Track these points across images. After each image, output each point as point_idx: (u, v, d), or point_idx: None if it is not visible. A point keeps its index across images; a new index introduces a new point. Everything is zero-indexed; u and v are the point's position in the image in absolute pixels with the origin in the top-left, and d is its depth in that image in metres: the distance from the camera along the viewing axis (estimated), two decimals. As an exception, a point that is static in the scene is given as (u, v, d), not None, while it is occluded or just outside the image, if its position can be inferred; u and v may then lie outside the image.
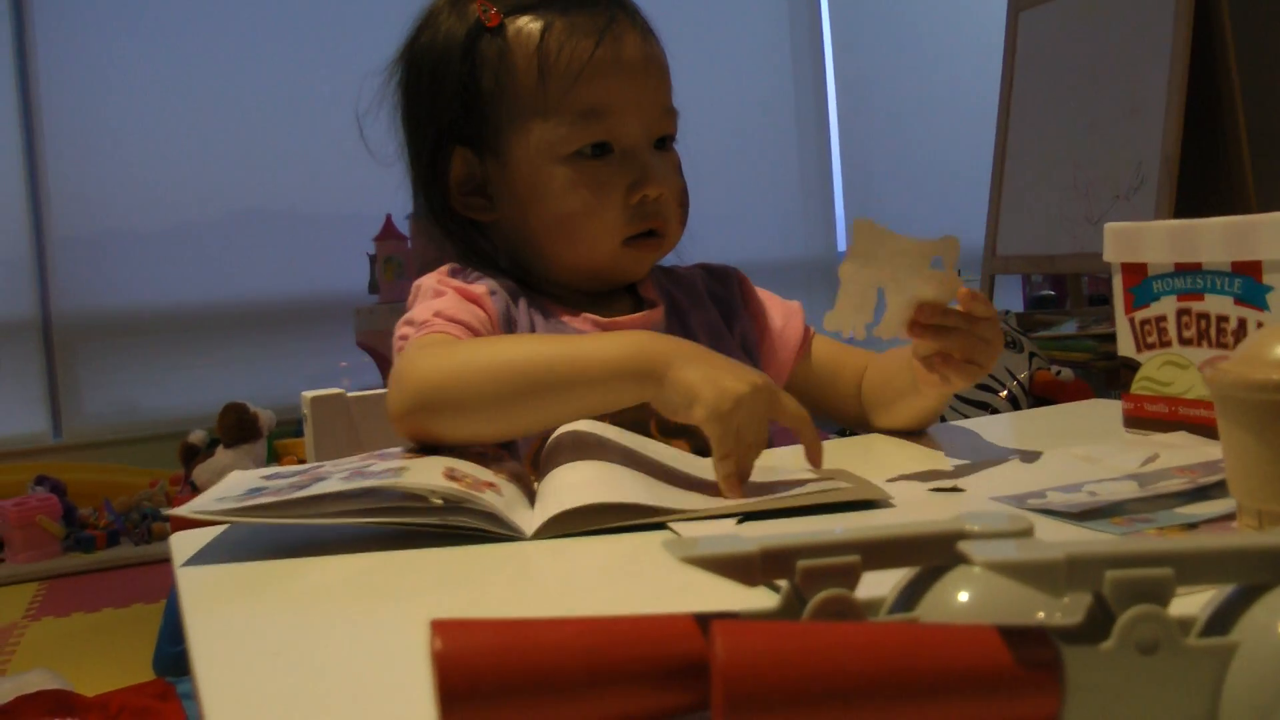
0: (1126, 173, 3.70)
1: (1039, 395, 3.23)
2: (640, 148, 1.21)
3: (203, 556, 0.86)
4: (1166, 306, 1.12)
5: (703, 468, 0.98)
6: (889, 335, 1.02)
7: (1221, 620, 0.43)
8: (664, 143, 1.25)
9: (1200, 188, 3.57)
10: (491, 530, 0.86)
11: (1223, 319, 1.06)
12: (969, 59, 5.53)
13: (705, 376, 0.95)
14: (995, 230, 4.33)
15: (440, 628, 0.40)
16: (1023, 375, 3.28)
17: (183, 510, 0.85)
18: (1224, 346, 1.06)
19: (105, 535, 4.30)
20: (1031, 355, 3.32)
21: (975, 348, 1.04)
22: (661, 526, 0.87)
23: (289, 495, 0.86)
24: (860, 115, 5.87)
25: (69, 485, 4.46)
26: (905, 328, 1.02)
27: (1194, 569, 0.42)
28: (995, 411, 3.07)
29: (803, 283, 5.74)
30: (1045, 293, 5.23)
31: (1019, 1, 4.32)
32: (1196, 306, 1.09)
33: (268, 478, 0.95)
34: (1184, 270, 1.10)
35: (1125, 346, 1.16)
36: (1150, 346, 1.14)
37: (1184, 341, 1.10)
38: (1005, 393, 3.28)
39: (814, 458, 0.98)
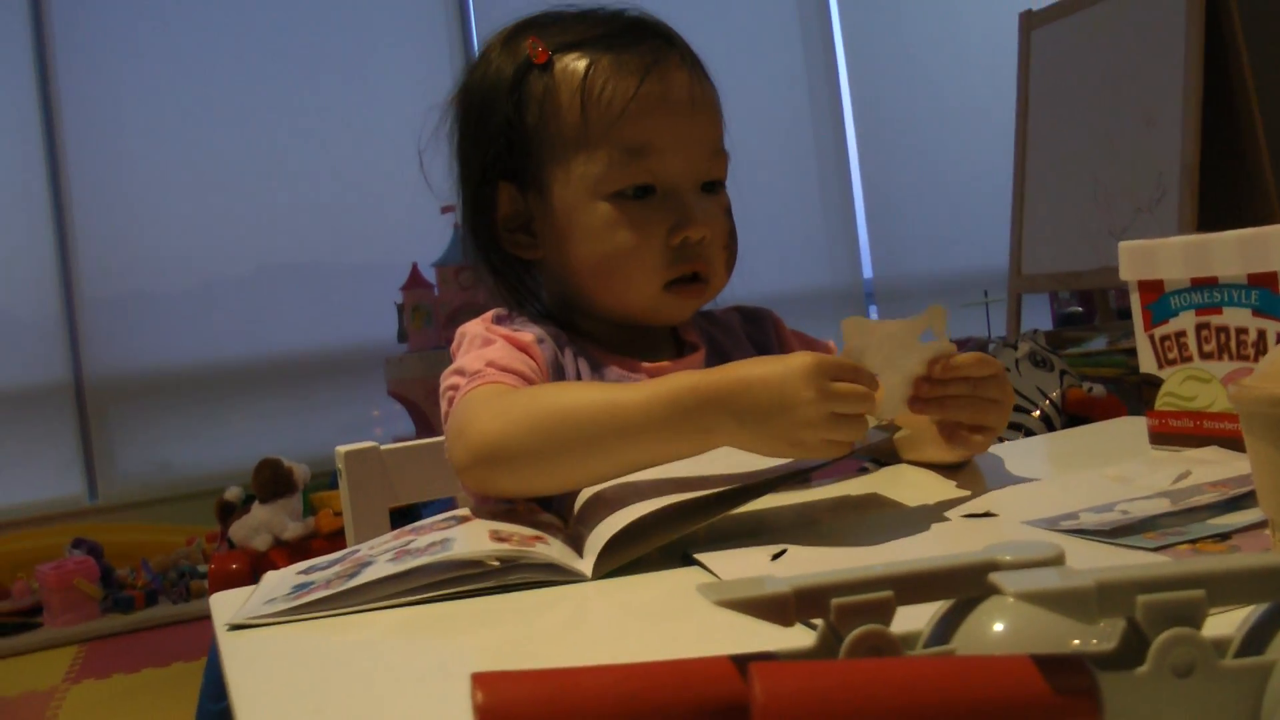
0: (1147, 185, 3.70)
1: (1072, 413, 3.21)
2: (684, 189, 1.19)
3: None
4: (1185, 321, 1.12)
5: (744, 461, 0.97)
6: (888, 417, 1.01)
7: (1256, 639, 0.43)
8: (713, 186, 1.22)
9: (1222, 196, 3.57)
10: (553, 580, 0.87)
11: (1242, 331, 1.06)
12: (984, 80, 5.54)
13: (767, 433, 0.93)
14: (1019, 249, 4.33)
15: (481, 681, 0.41)
16: (1055, 394, 3.27)
17: (237, 618, 0.85)
18: (1244, 359, 1.06)
19: (143, 595, 4.32)
20: (1063, 373, 3.31)
21: (982, 412, 1.02)
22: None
23: (341, 586, 0.86)
24: (879, 142, 5.87)
25: (106, 546, 4.48)
26: (905, 404, 1.00)
27: (1226, 589, 0.42)
28: (1029, 432, 3.06)
29: (831, 313, 5.74)
30: (1073, 309, 5.21)
31: (1031, 20, 4.33)
32: (1215, 320, 1.09)
33: (306, 571, 0.96)
34: (1200, 285, 1.10)
35: (1146, 363, 1.16)
36: (1171, 362, 1.14)
37: (1204, 355, 1.11)
38: (1038, 412, 3.27)
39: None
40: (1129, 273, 1.17)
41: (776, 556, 0.87)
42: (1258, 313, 1.05)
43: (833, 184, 5.87)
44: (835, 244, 5.88)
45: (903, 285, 5.88)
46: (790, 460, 0.96)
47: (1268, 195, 3.50)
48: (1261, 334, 1.05)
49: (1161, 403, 1.15)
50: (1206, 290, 1.09)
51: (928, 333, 1.01)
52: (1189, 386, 1.12)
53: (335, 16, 5.21)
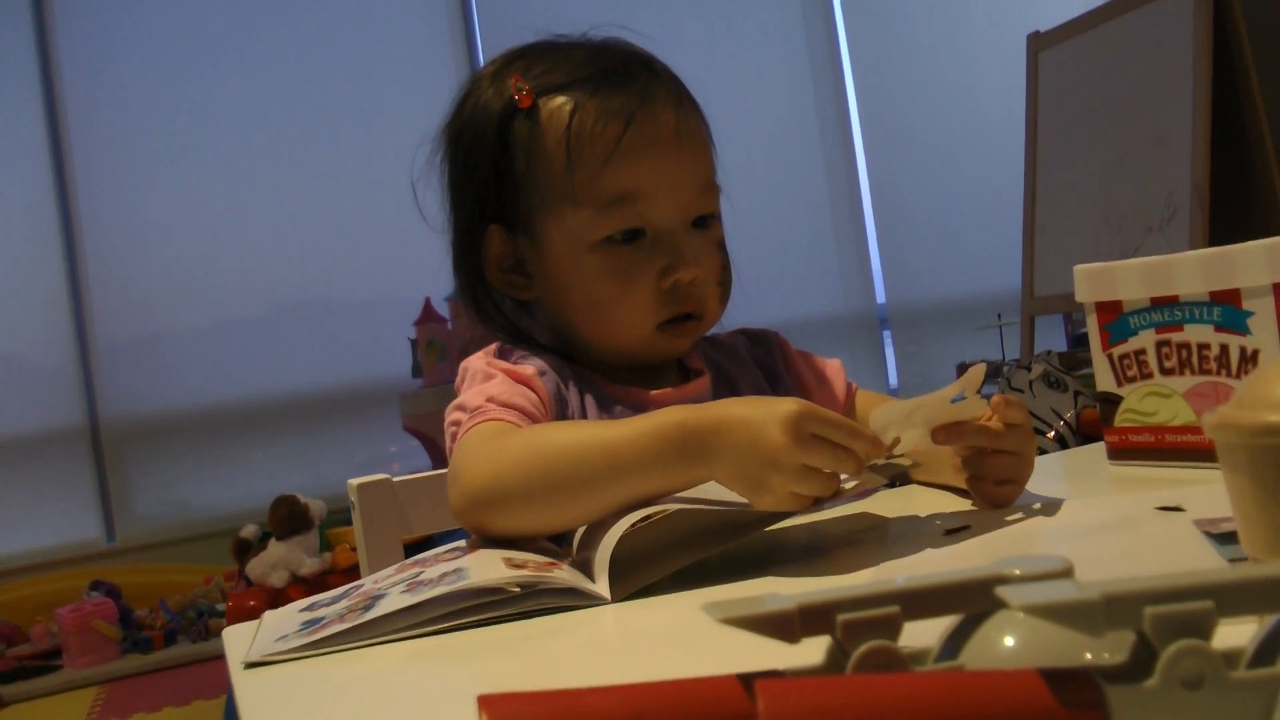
0: (1158, 204, 3.69)
1: (1087, 434, 3.21)
2: (675, 230, 1.18)
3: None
4: (1145, 340, 1.15)
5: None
6: (907, 450, 1.01)
7: (1268, 651, 0.43)
8: (704, 221, 1.22)
9: (1233, 214, 3.56)
10: (574, 605, 0.87)
11: (1204, 347, 1.10)
12: (994, 102, 5.55)
13: (739, 473, 0.93)
14: (1031, 271, 4.32)
15: (487, 703, 0.40)
16: (1069, 415, 3.26)
17: (251, 656, 0.84)
18: (1207, 373, 1.10)
19: (162, 635, 4.32)
20: (1077, 394, 3.30)
21: (1004, 466, 1.03)
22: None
23: (358, 620, 0.86)
24: (889, 166, 5.87)
25: (124, 588, 4.49)
26: (922, 443, 1.01)
27: (1235, 600, 0.42)
28: (1044, 452, 3.05)
29: (845, 338, 5.73)
30: (1086, 330, 5.19)
31: (1039, 42, 4.33)
32: (1176, 337, 1.13)
33: (309, 608, 0.95)
34: (1161, 304, 1.13)
35: (1105, 382, 1.19)
36: (1131, 380, 1.17)
37: (1165, 372, 1.14)
38: (1053, 433, 3.26)
39: (875, 453, 0.94)
40: (1085, 295, 1.20)
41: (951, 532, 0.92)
42: (1220, 328, 1.09)
43: (844, 209, 5.87)
44: (847, 269, 5.87)
45: (916, 310, 5.86)
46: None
47: (1278, 213, 3.49)
48: (1224, 348, 1.09)
49: (1121, 419, 1.18)
50: (1167, 309, 1.13)
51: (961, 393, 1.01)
52: (1149, 402, 1.15)
53: (345, 54, 5.24)
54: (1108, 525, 0.94)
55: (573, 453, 0.99)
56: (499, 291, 1.27)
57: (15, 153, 4.87)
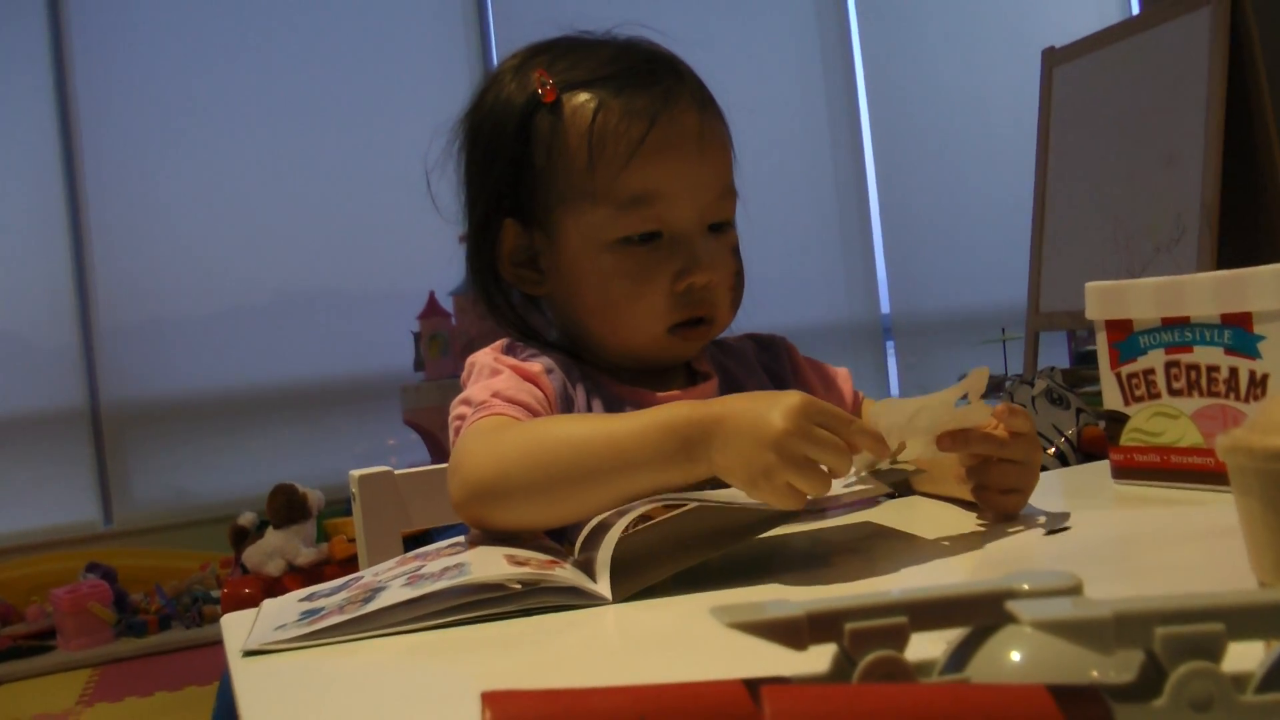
0: (1166, 224, 3.69)
1: (1088, 451, 3.20)
2: (691, 233, 1.18)
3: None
4: (1154, 360, 1.14)
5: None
6: (911, 457, 1.01)
7: (1277, 676, 0.42)
8: (720, 226, 1.21)
9: (1242, 236, 3.55)
10: (575, 604, 0.86)
11: (1213, 369, 1.10)
12: (1005, 116, 5.55)
13: (739, 462, 0.92)
14: (1037, 287, 4.32)
15: (490, 700, 0.40)
16: (1070, 431, 3.26)
17: (250, 645, 0.83)
18: (1215, 395, 1.10)
19: (157, 620, 4.33)
20: (1079, 411, 3.30)
21: (1009, 475, 1.03)
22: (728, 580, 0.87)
23: (357, 612, 0.85)
24: (898, 176, 5.86)
25: (120, 571, 4.49)
26: (926, 450, 1.00)
27: (1246, 624, 0.42)
28: (1044, 469, 3.04)
29: (850, 346, 5.73)
30: (1091, 347, 5.19)
31: (1053, 57, 4.33)
32: (1185, 358, 1.12)
33: (309, 598, 0.95)
34: (1171, 324, 1.13)
35: (1112, 400, 1.19)
36: (1139, 399, 1.16)
37: (1174, 392, 1.13)
38: (1053, 450, 3.25)
39: (878, 452, 0.93)
40: (1096, 312, 1.19)
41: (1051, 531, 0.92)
42: (1230, 351, 1.08)
43: (851, 218, 5.86)
44: (853, 278, 5.87)
45: (920, 321, 5.86)
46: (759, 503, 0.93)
47: (1288, 235, 3.49)
48: (1233, 371, 1.08)
49: (1127, 438, 1.17)
50: (1177, 329, 1.12)
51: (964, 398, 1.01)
52: (1156, 422, 1.15)
53: (354, 45, 5.24)
54: (1177, 539, 0.94)
55: (576, 445, 0.98)
56: (510, 286, 1.27)
57: (24, 135, 4.87)
